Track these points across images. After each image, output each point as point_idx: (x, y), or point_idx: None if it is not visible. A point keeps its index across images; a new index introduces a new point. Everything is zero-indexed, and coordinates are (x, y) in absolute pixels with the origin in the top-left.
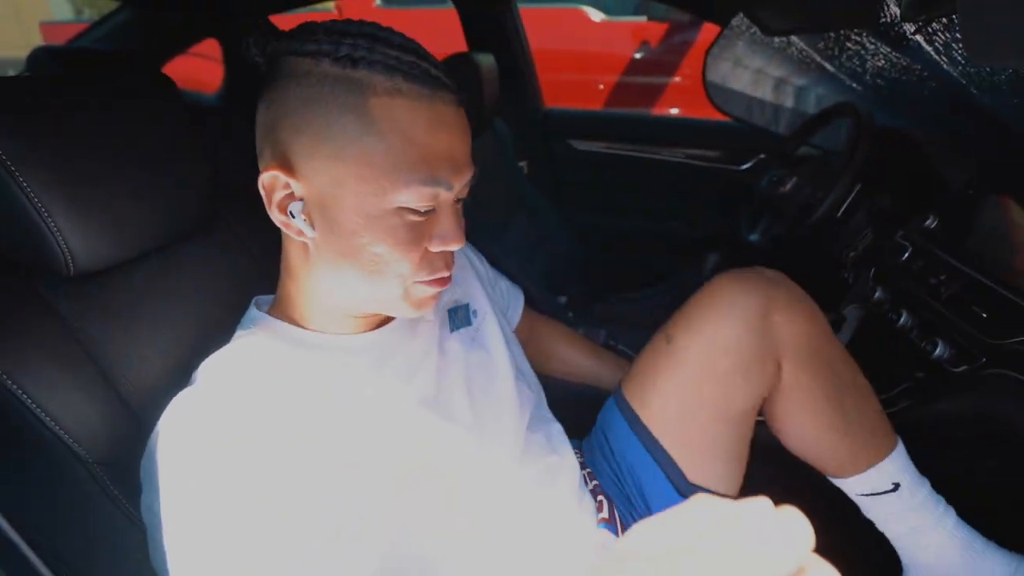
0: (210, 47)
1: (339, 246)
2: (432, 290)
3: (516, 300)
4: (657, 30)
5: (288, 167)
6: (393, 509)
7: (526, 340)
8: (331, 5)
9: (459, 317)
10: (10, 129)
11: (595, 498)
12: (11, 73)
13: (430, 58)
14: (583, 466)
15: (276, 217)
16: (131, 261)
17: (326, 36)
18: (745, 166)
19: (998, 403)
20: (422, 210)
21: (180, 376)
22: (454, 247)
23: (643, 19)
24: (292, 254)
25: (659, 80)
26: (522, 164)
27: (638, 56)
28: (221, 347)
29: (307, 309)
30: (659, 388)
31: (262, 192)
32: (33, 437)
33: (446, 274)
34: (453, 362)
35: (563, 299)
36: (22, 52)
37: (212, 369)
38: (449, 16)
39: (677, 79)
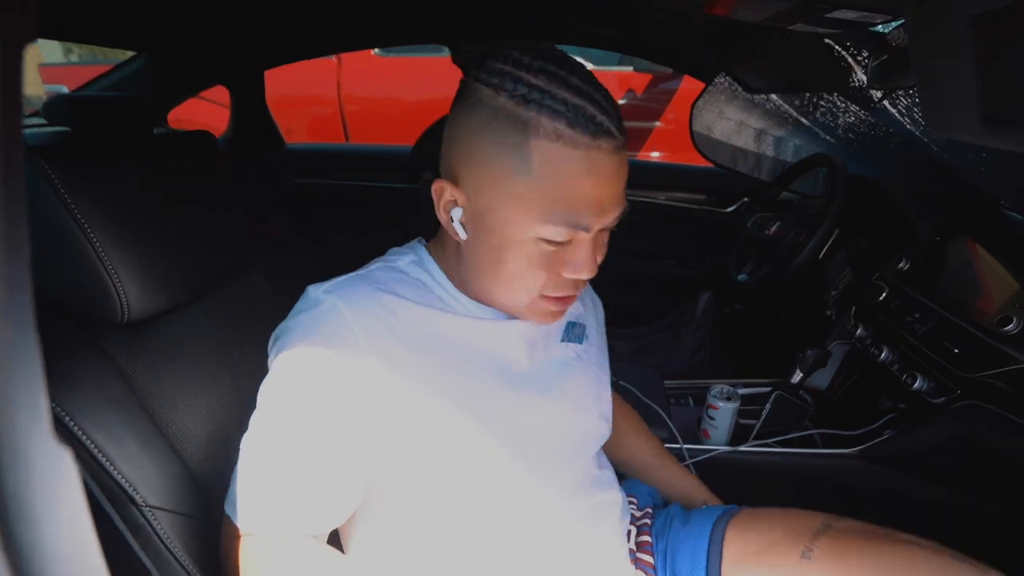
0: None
1: (484, 254)
2: (554, 307)
3: None
4: (642, 80)
5: (454, 180)
6: (446, 459)
7: None
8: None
9: (574, 332)
10: (83, 190)
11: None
12: None
13: (602, 102)
14: (641, 532)
15: (441, 217)
16: (175, 308)
17: (513, 68)
18: (730, 209)
19: (974, 431)
20: (559, 241)
21: (220, 419)
22: (584, 276)
23: (629, 69)
24: (449, 243)
25: (644, 125)
26: None
27: (624, 102)
28: (255, 388)
29: (452, 275)
30: None
31: (432, 194)
32: (93, 480)
33: (572, 294)
34: (550, 361)
35: None
36: None
37: (374, 278)
38: (446, 63)
39: (660, 124)
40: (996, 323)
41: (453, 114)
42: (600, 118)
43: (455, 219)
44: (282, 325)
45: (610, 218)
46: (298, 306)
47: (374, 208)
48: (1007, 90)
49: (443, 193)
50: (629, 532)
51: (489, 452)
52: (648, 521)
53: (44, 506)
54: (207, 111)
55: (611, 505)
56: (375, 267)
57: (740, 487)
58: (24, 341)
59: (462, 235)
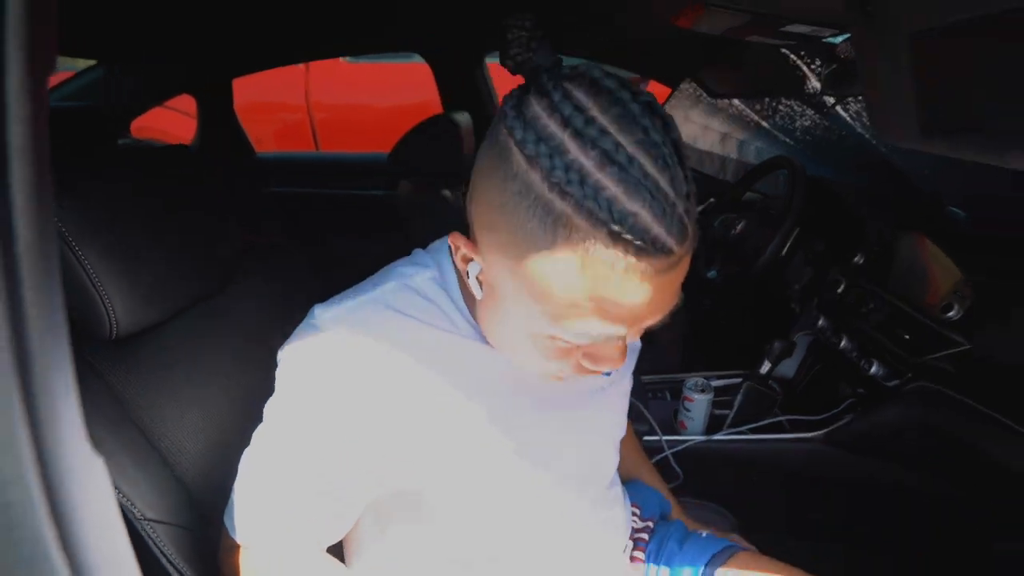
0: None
1: (497, 321)
2: (571, 376)
3: None
4: None
5: (473, 236)
6: (447, 480)
7: None
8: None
9: None
10: (63, 202)
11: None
12: None
13: (663, 202)
14: (636, 546)
15: (458, 266)
16: (164, 321)
17: (559, 128)
18: (698, 209)
19: (924, 411)
20: (579, 344)
21: (212, 431)
22: (606, 369)
23: None
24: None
25: None
26: None
27: None
28: (247, 398)
29: (469, 298)
30: None
31: (449, 244)
32: None
33: (589, 373)
34: (568, 389)
35: None
36: None
37: (383, 299)
38: (415, 69)
39: None
40: (940, 310)
41: (480, 158)
42: (655, 231)
43: (471, 274)
44: (286, 345)
45: (645, 324)
46: (302, 326)
47: (353, 214)
48: (942, 101)
49: (458, 249)
50: (625, 547)
51: (491, 475)
52: (646, 536)
53: (86, 511)
54: (171, 120)
55: (615, 524)
56: (389, 286)
57: (717, 474)
58: (61, 355)
59: (477, 294)
